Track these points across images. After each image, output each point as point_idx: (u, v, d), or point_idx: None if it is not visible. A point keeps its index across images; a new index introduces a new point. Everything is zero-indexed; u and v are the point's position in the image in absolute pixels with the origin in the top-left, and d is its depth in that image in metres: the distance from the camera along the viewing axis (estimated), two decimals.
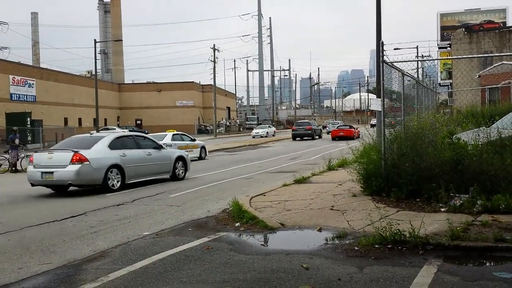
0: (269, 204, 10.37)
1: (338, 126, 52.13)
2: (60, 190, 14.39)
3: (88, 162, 13.68)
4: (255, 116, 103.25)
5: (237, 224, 8.88)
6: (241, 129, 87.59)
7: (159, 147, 16.54)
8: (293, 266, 6.28)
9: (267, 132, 58.71)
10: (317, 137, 49.14)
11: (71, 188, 14.20)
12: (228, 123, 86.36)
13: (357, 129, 46.30)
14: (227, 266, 6.38)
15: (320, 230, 8.16)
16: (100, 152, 14.21)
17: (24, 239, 8.40)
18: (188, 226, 9.05)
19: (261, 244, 7.66)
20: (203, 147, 27.29)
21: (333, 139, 44.10)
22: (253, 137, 55.26)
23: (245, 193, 12.60)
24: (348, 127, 47.98)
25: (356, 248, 6.95)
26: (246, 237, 8.13)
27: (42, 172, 13.92)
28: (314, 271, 6.03)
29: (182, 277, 5.97)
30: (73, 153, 13.77)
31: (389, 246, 6.84)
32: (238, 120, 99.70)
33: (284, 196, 11.26)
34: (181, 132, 28.88)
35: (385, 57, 10.37)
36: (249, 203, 10.43)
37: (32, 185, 14.39)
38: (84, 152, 13.83)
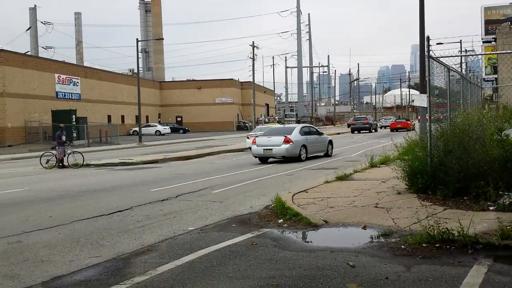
0: (312, 201, 10.34)
1: (396, 119, 61.96)
2: (266, 161, 21.79)
3: (292, 143, 21.09)
4: (294, 113, 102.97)
5: (280, 221, 8.90)
6: None
7: (320, 134, 24.00)
8: (338, 263, 6.25)
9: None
10: (373, 130, 55.32)
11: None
12: (266, 120, 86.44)
13: (412, 122, 54.20)
14: (272, 262, 6.40)
15: (364, 227, 8.09)
16: (296, 136, 21.56)
17: (74, 233, 8.65)
18: (231, 222, 9.13)
19: (305, 241, 7.65)
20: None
21: (392, 130, 50.82)
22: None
23: (286, 189, 12.60)
24: (404, 120, 57.58)
25: (402, 246, 6.85)
26: (290, 233, 8.15)
27: (264, 149, 21.38)
28: (360, 269, 5.99)
29: (228, 272, 6.03)
30: (284, 137, 21.17)
31: (437, 245, 6.72)
32: (276, 117, 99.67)
33: (327, 193, 11.21)
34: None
35: (430, 52, 10.17)
36: (292, 199, 10.43)
37: (255, 157, 21.95)
38: (290, 136, 21.23)
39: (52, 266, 6.61)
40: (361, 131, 53.98)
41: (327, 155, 23.50)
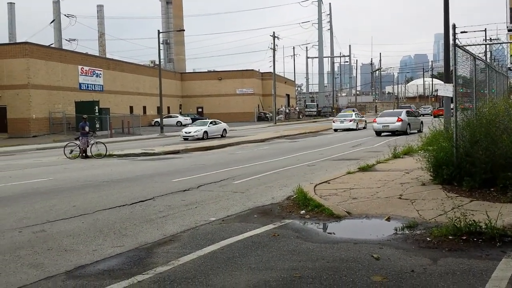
0: (334, 192, 10.23)
1: (438, 107, 69.65)
2: (380, 134, 31.28)
3: (402, 121, 30.24)
4: (315, 103, 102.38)
5: (302, 212, 8.82)
6: (301, 116, 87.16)
7: (417, 116, 35.35)
8: (362, 255, 6.15)
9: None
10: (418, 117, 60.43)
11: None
12: (287, 111, 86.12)
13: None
14: (295, 254, 6.34)
15: (388, 219, 7.96)
16: (404, 117, 30.72)
17: (97, 222, 8.70)
18: (253, 213, 9.08)
19: (328, 232, 7.56)
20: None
21: (435, 116, 51.98)
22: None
23: (308, 180, 12.50)
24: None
25: (428, 239, 6.72)
26: (312, 225, 8.06)
27: (383, 125, 30.82)
28: (385, 261, 5.88)
29: (250, 264, 5.98)
30: (397, 117, 30.60)
31: (464, 238, 6.56)
32: (297, 107, 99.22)
33: (349, 184, 11.08)
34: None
35: (456, 41, 9.92)
36: (314, 190, 10.34)
37: (376, 133, 31.43)
38: (401, 117, 30.49)
39: (75, 255, 6.65)
40: None
41: (420, 131, 31.10)
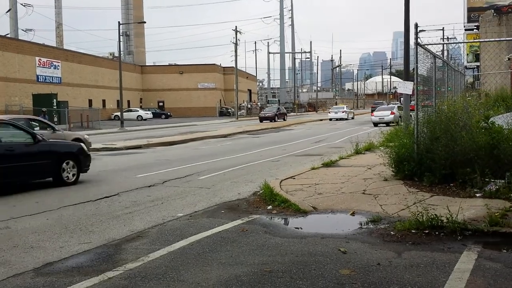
0: (300, 188, 10.39)
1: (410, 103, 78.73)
2: (377, 125, 35.39)
3: (394, 114, 34.94)
4: (276, 99, 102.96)
5: (269, 207, 8.93)
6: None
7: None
8: (330, 250, 6.30)
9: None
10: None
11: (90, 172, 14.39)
12: (249, 106, 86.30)
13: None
14: (264, 249, 6.43)
15: (353, 214, 8.16)
16: (396, 111, 35.54)
17: (62, 219, 8.57)
18: (220, 208, 9.13)
19: (295, 227, 7.68)
20: None
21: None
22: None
23: (273, 176, 12.63)
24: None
25: (392, 233, 6.94)
26: (280, 220, 8.19)
27: (379, 118, 36.36)
28: (352, 255, 6.05)
29: (220, 259, 6.04)
30: (390, 111, 36.48)
31: (426, 232, 6.81)
32: (259, 103, 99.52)
33: (314, 180, 11.27)
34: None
35: (418, 40, 10.21)
36: (280, 186, 10.46)
37: (374, 124, 36.22)
38: (393, 111, 36.00)
39: (42, 252, 6.55)
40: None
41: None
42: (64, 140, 15.96)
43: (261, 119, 52.82)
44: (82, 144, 14.01)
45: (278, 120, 53.06)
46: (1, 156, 11.00)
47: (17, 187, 11.76)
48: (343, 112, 53.00)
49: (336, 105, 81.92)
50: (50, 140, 13.01)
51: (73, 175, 12.56)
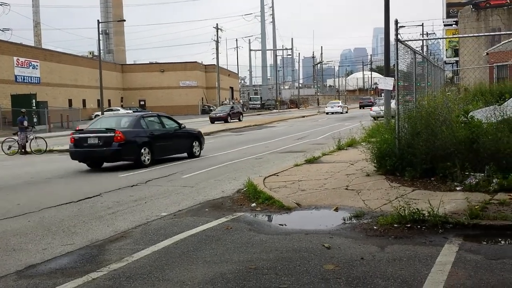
0: (283, 184, 10.43)
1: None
2: (376, 119, 31.98)
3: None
4: (258, 96, 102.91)
5: (253, 205, 8.95)
6: (245, 109, 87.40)
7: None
8: (314, 245, 6.34)
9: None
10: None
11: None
12: (231, 103, 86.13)
13: None
14: (249, 246, 6.45)
15: (336, 209, 8.22)
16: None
17: (44, 220, 8.49)
18: (204, 207, 9.13)
19: (280, 224, 7.70)
20: None
21: None
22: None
23: (257, 173, 12.66)
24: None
25: (375, 227, 7.01)
26: (264, 217, 8.22)
27: (377, 112, 34.79)
28: (336, 250, 6.10)
29: (205, 257, 6.04)
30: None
31: (408, 225, 6.89)
32: (241, 100, 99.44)
33: (297, 176, 11.32)
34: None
35: (392, 36, 10.31)
36: (263, 183, 10.49)
37: (374, 118, 33.40)
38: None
39: (25, 254, 6.48)
40: (366, 107, 64.90)
41: None
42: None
43: (212, 120, 46.11)
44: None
45: (232, 120, 46.99)
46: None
47: None
48: (338, 106, 58.29)
49: (325, 101, 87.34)
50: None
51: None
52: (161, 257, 6.12)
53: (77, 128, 18.41)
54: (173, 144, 16.84)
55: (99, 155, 15.26)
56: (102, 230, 7.68)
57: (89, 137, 15.23)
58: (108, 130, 15.14)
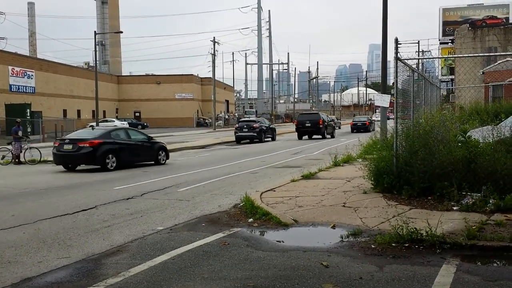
0: (281, 200, 10.41)
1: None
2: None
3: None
4: (254, 110, 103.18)
5: (250, 220, 8.92)
6: None
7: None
8: (312, 263, 6.31)
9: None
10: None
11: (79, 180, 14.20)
12: (226, 116, 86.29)
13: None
14: (246, 263, 6.41)
15: (334, 227, 8.20)
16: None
17: (39, 232, 8.41)
18: (201, 221, 9.08)
19: (277, 241, 7.67)
20: None
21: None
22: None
23: (253, 188, 12.63)
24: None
25: (373, 246, 6.99)
26: (261, 233, 8.18)
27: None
28: (334, 269, 6.07)
29: (203, 273, 6.00)
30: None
31: (406, 245, 6.88)
32: (236, 114, 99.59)
33: (294, 192, 11.30)
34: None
35: (391, 54, 10.39)
36: (260, 198, 10.47)
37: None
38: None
39: (20, 267, 6.41)
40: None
41: None
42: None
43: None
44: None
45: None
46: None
47: None
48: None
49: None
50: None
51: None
52: (158, 272, 6.07)
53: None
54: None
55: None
56: (98, 244, 7.61)
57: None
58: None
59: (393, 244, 6.94)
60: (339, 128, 58.00)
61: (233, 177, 15.44)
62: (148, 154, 20.16)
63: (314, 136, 39.03)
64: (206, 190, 12.79)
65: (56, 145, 19.01)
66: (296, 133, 39.65)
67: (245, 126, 35.92)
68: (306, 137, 39.27)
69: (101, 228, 8.68)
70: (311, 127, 37.66)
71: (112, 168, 18.17)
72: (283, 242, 7.57)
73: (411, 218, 8.10)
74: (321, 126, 37.46)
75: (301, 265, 6.27)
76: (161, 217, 9.56)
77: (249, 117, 54.26)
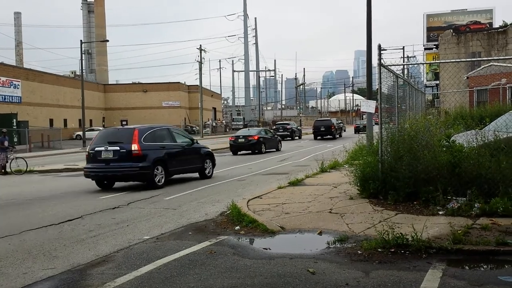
0: (267, 207, 10.40)
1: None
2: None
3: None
4: (241, 117, 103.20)
5: (237, 228, 8.90)
6: (227, 130, 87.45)
7: None
8: (298, 270, 6.31)
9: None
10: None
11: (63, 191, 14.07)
12: (214, 124, 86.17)
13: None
14: (233, 271, 6.39)
15: (320, 233, 8.21)
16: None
17: (25, 243, 8.32)
18: (187, 230, 9.04)
19: (264, 248, 7.65)
20: None
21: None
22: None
23: (240, 195, 12.62)
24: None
25: (359, 252, 7.01)
26: (248, 241, 8.16)
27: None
28: (320, 275, 6.07)
29: (189, 282, 5.97)
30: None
31: (392, 250, 6.90)
32: (224, 121, 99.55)
33: (281, 199, 11.30)
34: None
35: (374, 60, 10.46)
36: (247, 206, 10.45)
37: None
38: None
39: (5, 279, 6.34)
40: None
41: None
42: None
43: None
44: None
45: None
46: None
47: None
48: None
49: (308, 123, 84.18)
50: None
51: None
52: (144, 282, 6.03)
53: None
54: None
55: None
56: (84, 254, 7.55)
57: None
58: None
59: (379, 250, 6.96)
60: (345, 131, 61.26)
61: (220, 185, 15.41)
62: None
63: (302, 141, 45.34)
64: (193, 198, 12.75)
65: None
66: (313, 135, 49.06)
67: (280, 128, 50.00)
68: (305, 140, 46.21)
69: (87, 238, 8.61)
70: (325, 130, 47.27)
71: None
72: (269, 249, 7.55)
73: (397, 223, 8.13)
74: (332, 129, 47.36)
75: (287, 272, 6.26)
76: (147, 226, 9.50)
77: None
